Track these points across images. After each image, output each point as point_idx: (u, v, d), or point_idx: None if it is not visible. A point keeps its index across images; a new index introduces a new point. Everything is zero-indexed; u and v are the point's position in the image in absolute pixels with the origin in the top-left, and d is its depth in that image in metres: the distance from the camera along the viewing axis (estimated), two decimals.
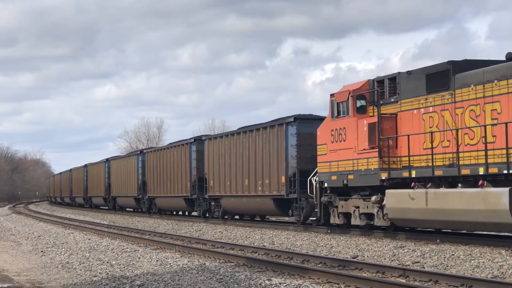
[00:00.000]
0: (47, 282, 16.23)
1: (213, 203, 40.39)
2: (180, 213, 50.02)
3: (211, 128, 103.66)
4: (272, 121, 34.14)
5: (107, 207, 67.78)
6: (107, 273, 17.18)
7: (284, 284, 14.45)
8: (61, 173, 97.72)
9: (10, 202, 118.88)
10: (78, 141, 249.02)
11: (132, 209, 60.99)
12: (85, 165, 76.87)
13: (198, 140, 42.72)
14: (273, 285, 14.45)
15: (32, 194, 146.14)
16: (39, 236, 31.26)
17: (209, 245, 24.86)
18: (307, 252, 21.10)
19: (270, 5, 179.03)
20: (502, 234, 24.42)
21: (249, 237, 27.94)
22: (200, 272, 16.77)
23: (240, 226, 34.79)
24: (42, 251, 23.91)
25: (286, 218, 36.65)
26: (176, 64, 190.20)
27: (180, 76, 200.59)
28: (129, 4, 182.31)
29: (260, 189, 33.98)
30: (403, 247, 21.43)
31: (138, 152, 56.03)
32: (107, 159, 66.94)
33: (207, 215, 41.51)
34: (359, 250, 21.33)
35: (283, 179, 31.89)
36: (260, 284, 14.64)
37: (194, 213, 45.29)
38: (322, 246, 23.19)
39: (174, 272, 17.06)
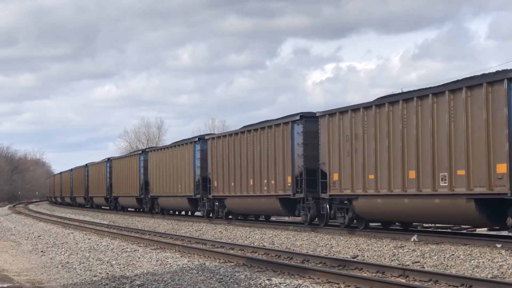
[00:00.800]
0: (47, 282, 16.23)
1: (325, 204, 29.13)
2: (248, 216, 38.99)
3: (211, 128, 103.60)
4: (465, 80, 22.50)
5: (137, 209, 57.59)
6: (107, 273, 17.18)
7: (284, 284, 14.45)
8: (71, 169, 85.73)
9: (10, 202, 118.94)
10: (78, 141, 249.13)
11: (179, 212, 49.84)
12: (108, 159, 65.89)
13: (307, 118, 30.81)
14: (273, 285, 14.45)
15: (32, 194, 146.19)
16: (39, 236, 31.26)
17: (209, 245, 24.87)
18: (307, 252, 21.10)
19: (270, 5, 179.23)
20: (502, 234, 24.43)
21: (249, 237, 27.93)
22: (200, 272, 16.78)
23: (240, 226, 34.75)
24: (42, 251, 23.91)
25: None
26: (176, 64, 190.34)
27: (180, 76, 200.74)
28: (129, 4, 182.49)
29: (444, 184, 22.43)
30: (403, 247, 21.43)
31: (196, 139, 43.24)
32: (142, 151, 55.80)
33: (315, 220, 30.41)
34: (359, 250, 21.33)
35: (500, 168, 20.52)
36: (260, 284, 14.64)
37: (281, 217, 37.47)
38: (322, 246, 23.19)
39: (174, 272, 17.06)
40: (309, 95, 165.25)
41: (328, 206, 28.82)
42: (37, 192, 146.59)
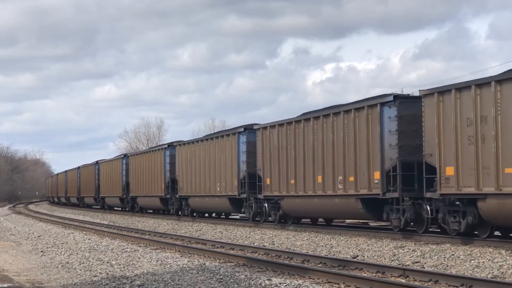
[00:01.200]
0: (47, 282, 16.23)
1: (427, 206, 23.41)
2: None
3: (211, 128, 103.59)
4: None
5: (161, 211, 51.07)
6: (107, 273, 17.18)
7: (284, 284, 14.45)
8: (78, 167, 79.54)
9: (10, 202, 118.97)
10: (78, 141, 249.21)
11: (216, 214, 43.48)
12: (125, 155, 60.32)
13: (402, 99, 24.81)
14: (273, 285, 14.44)
15: (32, 194, 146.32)
16: (39, 236, 31.26)
17: (209, 245, 24.86)
18: (307, 252, 21.09)
19: (270, 5, 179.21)
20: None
21: (249, 237, 27.92)
22: (200, 272, 16.78)
23: (240, 226, 34.74)
24: (42, 251, 23.91)
25: None
26: (176, 64, 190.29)
27: (180, 76, 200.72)
28: (129, 4, 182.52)
29: None
30: (403, 247, 21.43)
31: (241, 130, 36.36)
32: (169, 145, 47.83)
33: (411, 226, 25.06)
34: (359, 250, 21.33)
35: None
36: (260, 284, 14.63)
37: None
38: (322, 246, 23.19)
39: (174, 272, 17.06)
40: (309, 95, 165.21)
41: (429, 208, 23.30)
42: (37, 192, 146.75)
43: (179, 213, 45.17)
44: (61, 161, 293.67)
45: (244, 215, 36.67)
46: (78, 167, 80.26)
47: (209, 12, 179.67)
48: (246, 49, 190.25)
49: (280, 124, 31.84)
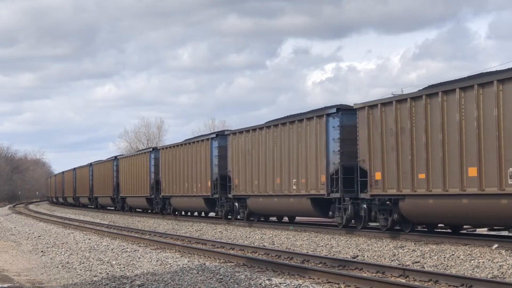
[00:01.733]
0: (47, 282, 16.23)
1: None
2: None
3: (211, 128, 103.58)
4: None
5: (206, 213, 45.43)
6: (107, 273, 17.19)
7: (284, 284, 14.45)
8: (91, 164, 72.92)
9: (10, 202, 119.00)
10: (78, 141, 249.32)
11: (291, 218, 35.48)
12: (153, 148, 53.09)
13: None
14: (273, 285, 14.45)
15: (33, 194, 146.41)
16: (39, 236, 31.27)
17: (209, 245, 24.87)
18: (307, 252, 21.10)
19: (270, 5, 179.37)
20: (502, 234, 24.46)
21: (249, 237, 27.93)
22: (200, 272, 16.78)
23: (240, 226, 34.75)
24: (42, 251, 23.91)
25: None
26: (176, 64, 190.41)
27: (180, 76, 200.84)
28: (128, 4, 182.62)
29: None
30: (403, 247, 21.43)
31: (333, 111, 28.07)
32: (217, 134, 39.97)
33: None
34: (359, 250, 21.34)
35: None
36: (260, 284, 14.64)
37: None
38: (322, 246, 23.19)
39: (174, 272, 17.06)
40: (309, 95, 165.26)
41: None
42: (37, 192, 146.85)
43: (229, 216, 38.15)
44: (61, 161, 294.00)
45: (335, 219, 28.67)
46: (90, 163, 73.19)
47: (209, 12, 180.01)
48: (246, 49, 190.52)
49: (400, 100, 23.67)
